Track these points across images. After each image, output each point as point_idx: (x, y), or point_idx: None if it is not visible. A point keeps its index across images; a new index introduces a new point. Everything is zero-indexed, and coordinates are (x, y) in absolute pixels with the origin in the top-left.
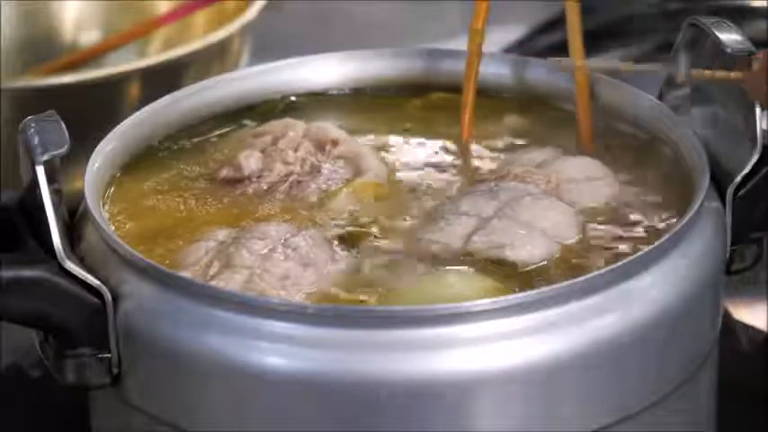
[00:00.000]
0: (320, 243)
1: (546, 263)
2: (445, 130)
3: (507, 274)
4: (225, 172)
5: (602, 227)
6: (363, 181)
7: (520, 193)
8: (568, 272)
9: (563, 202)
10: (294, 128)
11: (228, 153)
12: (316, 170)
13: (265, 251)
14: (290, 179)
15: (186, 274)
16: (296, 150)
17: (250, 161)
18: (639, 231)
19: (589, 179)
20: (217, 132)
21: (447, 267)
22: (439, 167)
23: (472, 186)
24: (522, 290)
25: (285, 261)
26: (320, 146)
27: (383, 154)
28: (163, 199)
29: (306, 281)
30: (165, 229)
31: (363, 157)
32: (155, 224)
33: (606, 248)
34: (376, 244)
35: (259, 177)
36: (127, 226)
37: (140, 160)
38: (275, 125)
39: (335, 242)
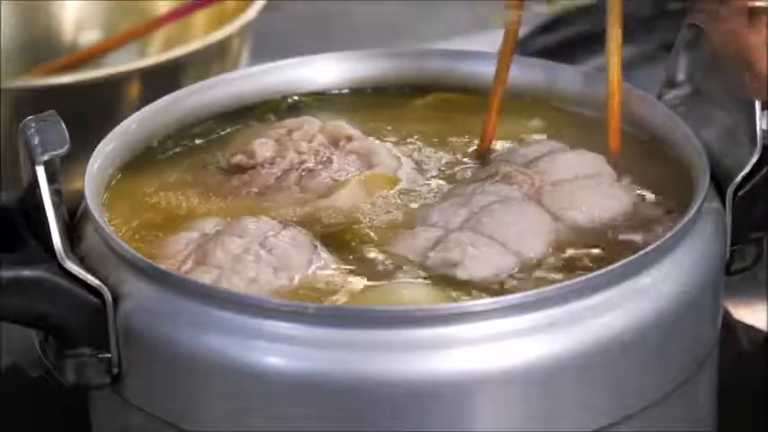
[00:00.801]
0: (300, 244)
1: (501, 277)
2: (447, 130)
3: (459, 286)
4: (238, 158)
5: (581, 233)
6: (375, 172)
7: (494, 198)
8: (526, 285)
9: (543, 205)
10: (310, 123)
11: (232, 148)
12: (328, 161)
13: (239, 251)
14: (302, 167)
15: (162, 266)
16: (310, 142)
17: (264, 148)
18: (626, 235)
19: (581, 177)
20: (217, 132)
21: (401, 279)
22: (440, 168)
23: (455, 189)
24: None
25: (256, 263)
26: (334, 141)
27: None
28: (164, 196)
29: (275, 284)
30: (165, 226)
31: (376, 153)
32: (155, 222)
33: (573, 259)
34: (354, 251)
35: (271, 164)
36: (126, 227)
37: (140, 160)
38: (290, 121)
39: (318, 243)
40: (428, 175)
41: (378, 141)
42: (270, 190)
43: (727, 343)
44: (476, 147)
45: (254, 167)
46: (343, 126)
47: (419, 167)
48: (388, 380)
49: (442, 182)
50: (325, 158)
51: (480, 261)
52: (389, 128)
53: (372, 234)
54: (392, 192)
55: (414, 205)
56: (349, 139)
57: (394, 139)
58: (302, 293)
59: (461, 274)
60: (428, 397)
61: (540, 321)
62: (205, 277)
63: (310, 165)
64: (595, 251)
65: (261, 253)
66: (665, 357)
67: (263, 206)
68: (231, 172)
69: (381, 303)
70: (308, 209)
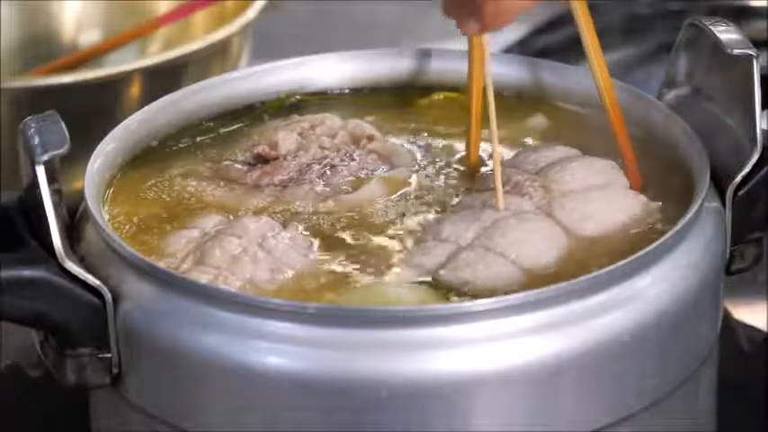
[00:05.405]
0: (299, 244)
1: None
2: (449, 130)
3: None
4: (260, 149)
5: (593, 245)
6: (395, 175)
7: (505, 214)
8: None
9: (555, 218)
10: (331, 119)
11: (238, 146)
12: (350, 159)
13: (238, 251)
14: (325, 162)
15: (161, 264)
16: (333, 138)
17: (287, 140)
18: (634, 239)
19: (592, 188)
20: (217, 132)
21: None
22: (442, 170)
23: (465, 199)
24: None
25: (253, 264)
26: (355, 140)
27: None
28: (164, 197)
29: (270, 285)
30: (167, 226)
31: (397, 153)
32: (156, 223)
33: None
34: (354, 253)
35: (294, 158)
36: (127, 227)
37: (141, 160)
38: (311, 117)
39: (320, 244)
40: (438, 178)
41: (397, 142)
42: (291, 182)
43: (727, 343)
44: (465, 156)
45: (276, 159)
46: (364, 125)
47: (427, 169)
48: (388, 380)
49: (451, 185)
50: (347, 156)
51: (490, 280)
52: (392, 128)
53: (379, 237)
54: (405, 195)
55: (423, 210)
56: (370, 138)
57: (398, 140)
58: (297, 294)
59: (471, 293)
60: (428, 397)
61: (540, 321)
62: (203, 277)
63: (335, 161)
64: (606, 262)
65: (258, 254)
66: (665, 357)
67: (282, 199)
68: (248, 164)
69: (375, 303)
70: (329, 204)
